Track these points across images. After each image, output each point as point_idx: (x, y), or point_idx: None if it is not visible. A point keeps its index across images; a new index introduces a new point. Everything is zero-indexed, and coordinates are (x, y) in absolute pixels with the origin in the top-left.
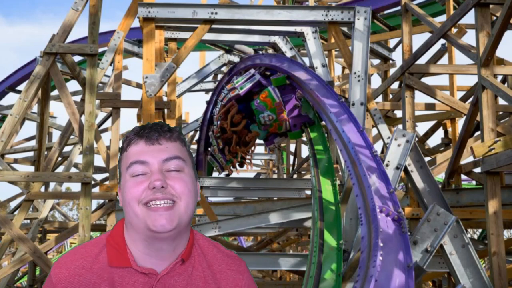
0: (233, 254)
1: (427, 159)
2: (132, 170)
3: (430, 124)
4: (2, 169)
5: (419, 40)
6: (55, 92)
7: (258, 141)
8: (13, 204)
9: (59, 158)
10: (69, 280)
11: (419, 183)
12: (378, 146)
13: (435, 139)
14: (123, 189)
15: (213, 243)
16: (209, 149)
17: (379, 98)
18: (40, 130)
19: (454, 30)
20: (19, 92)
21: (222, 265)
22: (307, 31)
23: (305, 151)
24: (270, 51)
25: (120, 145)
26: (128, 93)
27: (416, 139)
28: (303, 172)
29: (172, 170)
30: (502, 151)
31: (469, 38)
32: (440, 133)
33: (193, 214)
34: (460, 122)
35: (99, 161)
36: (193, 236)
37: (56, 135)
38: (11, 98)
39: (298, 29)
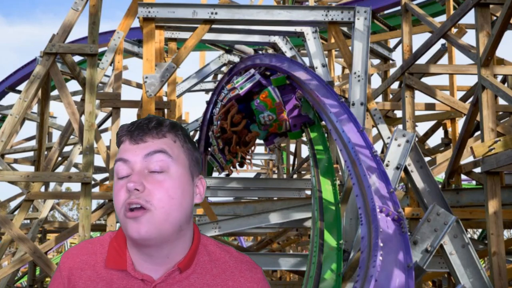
0: (248, 260)
1: (427, 159)
2: (116, 169)
3: (430, 124)
4: (2, 169)
5: (419, 40)
6: (55, 92)
7: (258, 141)
8: (13, 204)
9: (59, 158)
10: (72, 271)
11: (419, 183)
12: (378, 146)
13: (435, 139)
14: (113, 192)
15: (225, 249)
16: (209, 149)
17: (379, 98)
18: (40, 130)
19: (454, 30)
20: (19, 92)
21: (235, 272)
22: (307, 31)
23: (305, 151)
24: (270, 51)
25: None
26: (128, 93)
27: (416, 139)
28: (303, 172)
29: (155, 170)
30: (502, 151)
31: (469, 38)
32: (440, 133)
33: (186, 220)
34: (460, 122)
35: (99, 161)
36: (197, 243)
37: (56, 135)
38: (11, 98)
39: (298, 29)
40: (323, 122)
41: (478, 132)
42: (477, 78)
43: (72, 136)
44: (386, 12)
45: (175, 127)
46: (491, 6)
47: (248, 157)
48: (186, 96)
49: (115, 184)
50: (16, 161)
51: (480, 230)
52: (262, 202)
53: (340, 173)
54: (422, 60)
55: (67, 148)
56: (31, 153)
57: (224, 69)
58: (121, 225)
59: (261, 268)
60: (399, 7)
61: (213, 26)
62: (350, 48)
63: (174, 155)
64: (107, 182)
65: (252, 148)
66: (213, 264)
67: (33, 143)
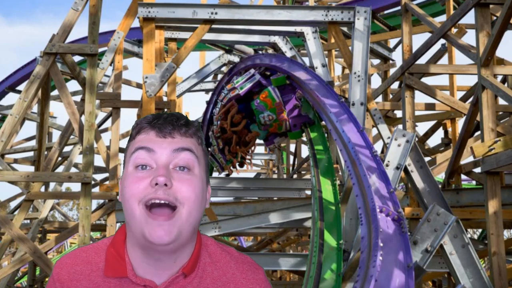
0: (249, 260)
1: (427, 159)
2: (135, 156)
3: (430, 124)
4: (2, 169)
5: (419, 40)
6: (55, 92)
7: (258, 141)
8: (13, 204)
9: (59, 158)
10: (67, 283)
11: (419, 183)
12: (378, 146)
13: (435, 139)
14: (124, 183)
15: (226, 249)
16: (209, 149)
17: (379, 98)
18: (40, 130)
19: (454, 30)
20: (19, 92)
21: (236, 273)
22: (307, 31)
23: (305, 151)
24: (270, 51)
25: (125, 142)
26: (128, 93)
27: (416, 139)
28: (303, 172)
29: (181, 166)
30: (502, 151)
31: (469, 38)
32: (440, 133)
33: (198, 223)
34: (460, 122)
35: (99, 161)
36: (200, 246)
37: (56, 135)
38: (11, 98)
39: (298, 29)
40: (323, 122)
41: (478, 132)
42: (477, 78)
43: (72, 136)
44: (386, 12)
45: (200, 130)
46: (491, 6)
47: (248, 157)
48: (186, 96)
49: (130, 175)
50: (16, 161)
51: (480, 230)
52: (262, 202)
53: (340, 173)
54: (422, 60)
55: (67, 148)
56: (31, 153)
57: (224, 69)
58: (132, 223)
59: (263, 269)
60: (399, 7)
61: (213, 26)
62: (350, 48)
63: (199, 156)
64: (107, 182)
65: (252, 148)
66: (214, 266)
67: (33, 143)
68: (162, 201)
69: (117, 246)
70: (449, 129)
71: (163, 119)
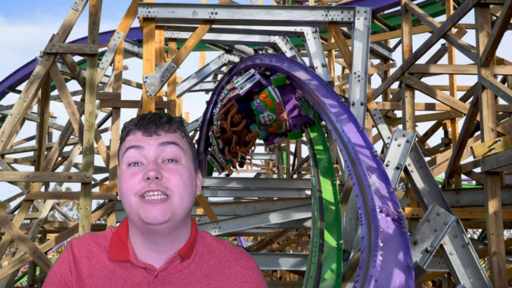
0: (242, 251)
1: (427, 159)
2: (127, 155)
3: (430, 124)
4: (2, 169)
5: (419, 40)
6: (55, 92)
7: (258, 141)
8: (13, 204)
9: (59, 158)
10: (78, 259)
11: (419, 183)
12: (378, 146)
13: (435, 139)
14: (120, 180)
15: (221, 241)
16: (209, 149)
17: (379, 98)
18: (40, 130)
19: (454, 30)
20: (19, 92)
21: (231, 260)
22: (307, 31)
23: (305, 151)
24: (270, 51)
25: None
26: (128, 93)
27: (416, 139)
28: (303, 172)
29: (168, 159)
30: (502, 151)
31: (469, 38)
32: (440, 133)
33: (191, 208)
34: (460, 122)
35: (99, 161)
36: (196, 234)
37: (56, 135)
38: (11, 98)
39: (298, 29)
40: (323, 122)
41: (478, 132)
42: (477, 78)
43: (72, 136)
44: (386, 12)
45: (183, 124)
46: (491, 6)
47: (248, 157)
48: (186, 96)
49: (125, 172)
50: (16, 161)
51: (480, 230)
52: (262, 202)
53: (340, 173)
54: (422, 60)
55: (67, 148)
56: (31, 153)
57: (224, 69)
58: (130, 212)
59: (254, 259)
60: (399, 7)
61: (213, 26)
62: (350, 48)
63: (184, 148)
64: (107, 182)
65: (252, 148)
66: (210, 255)
67: (33, 143)
68: (156, 193)
69: (120, 235)
70: (449, 129)
71: (147, 119)
